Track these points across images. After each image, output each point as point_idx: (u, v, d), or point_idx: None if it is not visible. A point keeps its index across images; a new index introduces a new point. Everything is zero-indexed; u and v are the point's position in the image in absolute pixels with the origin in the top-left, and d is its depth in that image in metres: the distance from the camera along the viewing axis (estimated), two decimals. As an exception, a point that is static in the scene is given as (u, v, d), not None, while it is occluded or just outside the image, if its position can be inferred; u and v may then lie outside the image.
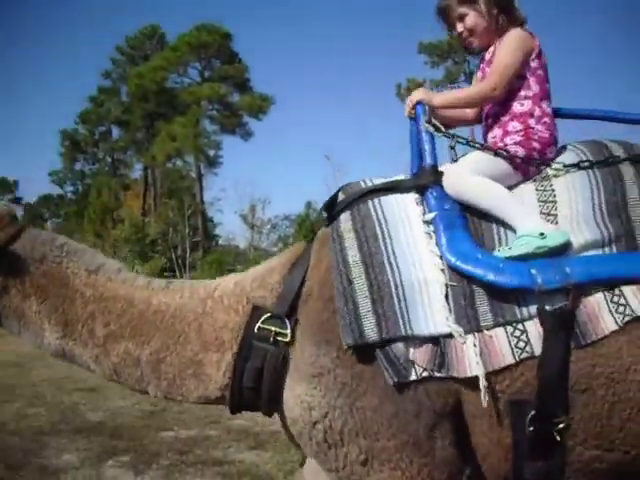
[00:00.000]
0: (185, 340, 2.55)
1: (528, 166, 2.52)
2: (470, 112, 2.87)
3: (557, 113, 2.79)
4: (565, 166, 2.44)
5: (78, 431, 7.38)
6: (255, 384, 2.43)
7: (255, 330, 2.43)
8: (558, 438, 2.19)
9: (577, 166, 2.42)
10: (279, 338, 2.40)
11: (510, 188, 2.49)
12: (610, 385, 2.18)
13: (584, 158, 2.45)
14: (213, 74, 45.90)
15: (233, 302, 2.56)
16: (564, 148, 2.59)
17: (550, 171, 2.48)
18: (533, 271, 2.22)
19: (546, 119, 2.61)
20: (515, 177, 2.53)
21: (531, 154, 2.53)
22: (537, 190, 2.47)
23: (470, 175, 2.47)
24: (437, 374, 2.18)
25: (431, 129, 2.55)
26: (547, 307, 2.19)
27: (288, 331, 2.40)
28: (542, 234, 2.28)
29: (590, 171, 2.41)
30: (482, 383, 2.14)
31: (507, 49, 2.59)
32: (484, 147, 2.57)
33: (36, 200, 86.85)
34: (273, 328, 2.40)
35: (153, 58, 47.93)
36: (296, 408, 2.39)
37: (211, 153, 49.16)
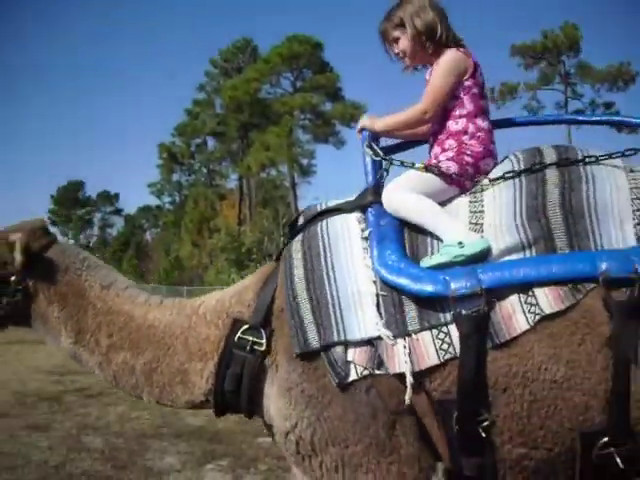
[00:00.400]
0: (173, 352, 2.81)
1: (462, 180, 2.65)
2: (424, 128, 2.95)
3: (512, 122, 3.13)
4: (491, 180, 2.58)
5: (179, 435, 7.62)
6: (235, 388, 2.65)
7: (235, 340, 2.64)
8: (484, 435, 2.29)
9: (502, 178, 2.54)
10: (256, 347, 2.61)
11: (447, 202, 2.64)
12: (526, 384, 2.27)
13: (517, 166, 2.56)
14: (305, 84, 46.34)
15: (214, 317, 2.79)
16: (505, 158, 2.68)
17: (483, 182, 2.61)
18: (447, 279, 2.35)
19: (480, 134, 2.73)
20: (451, 191, 2.67)
21: (464, 168, 2.66)
22: (470, 202, 2.60)
23: (404, 192, 2.64)
24: (377, 372, 2.35)
25: (370, 152, 2.79)
26: (462, 311, 2.30)
27: (263, 340, 2.60)
28: (460, 243, 2.42)
29: (517, 179, 2.52)
30: (409, 380, 2.28)
31: (438, 72, 2.74)
32: (414, 166, 2.71)
33: (136, 211, 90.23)
34: (250, 338, 2.61)
35: (246, 70, 48.87)
36: (276, 419, 2.59)
37: (304, 162, 49.62)
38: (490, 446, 2.33)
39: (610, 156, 2.52)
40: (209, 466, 6.30)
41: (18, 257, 2.91)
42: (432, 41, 2.79)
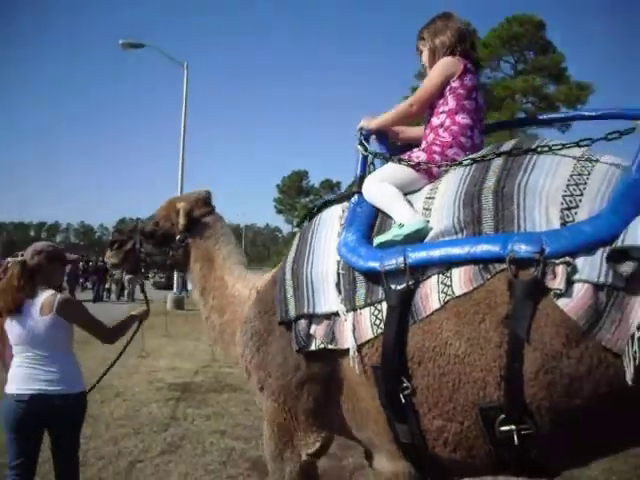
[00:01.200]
0: (236, 317, 3.56)
1: (431, 168, 2.97)
2: (417, 130, 3.39)
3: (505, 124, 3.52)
4: (451, 167, 2.86)
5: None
6: None
7: None
8: (404, 402, 2.57)
9: (460, 164, 2.81)
10: None
11: (418, 189, 2.96)
12: (436, 358, 2.49)
13: (478, 156, 2.79)
14: (527, 66, 44.74)
15: (252, 290, 3.53)
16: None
17: (447, 170, 2.88)
18: (382, 256, 2.66)
19: (454, 127, 3.04)
20: (421, 179, 3.00)
21: (432, 157, 2.99)
22: (430, 188, 2.89)
23: (375, 182, 3.05)
24: (329, 346, 2.77)
25: (360, 149, 3.25)
26: (391, 287, 2.60)
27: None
28: (401, 224, 2.75)
29: (469, 167, 2.75)
30: (351, 354, 2.67)
31: (431, 75, 3.17)
32: (391, 159, 3.10)
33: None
34: None
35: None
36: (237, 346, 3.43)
37: (527, 147, 48.07)
38: (414, 415, 2.59)
39: (564, 146, 2.61)
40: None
41: (181, 220, 3.89)
42: (441, 56, 3.20)
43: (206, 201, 4.09)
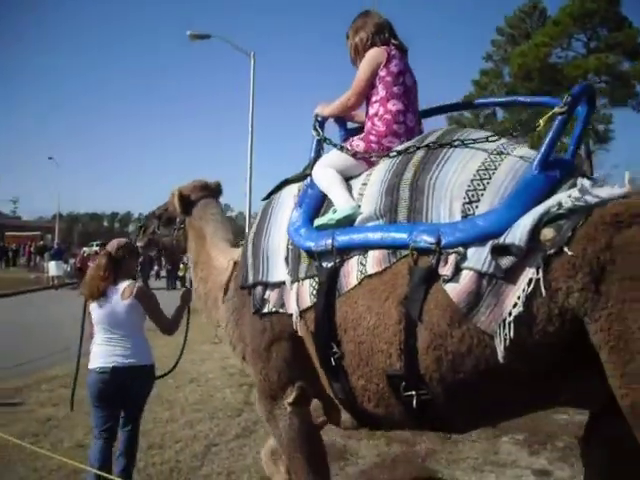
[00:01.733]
0: (215, 286, 3.99)
1: (368, 156, 3.29)
2: (359, 113, 3.73)
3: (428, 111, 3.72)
4: (383, 157, 3.20)
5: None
6: None
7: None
8: (334, 364, 3.00)
9: (387, 156, 3.16)
10: None
11: (357, 175, 3.30)
12: (355, 328, 2.89)
13: (404, 148, 3.14)
14: (600, 44, 43.36)
15: (230, 262, 3.85)
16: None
17: (382, 158, 3.21)
18: (317, 237, 3.09)
19: (387, 116, 3.34)
20: (360, 166, 3.33)
21: (369, 146, 3.33)
22: (365, 175, 3.25)
23: (321, 167, 3.40)
24: (280, 310, 3.20)
25: (314, 133, 3.63)
26: (322, 265, 3.05)
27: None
28: (335, 210, 3.15)
29: (396, 158, 3.11)
30: (294, 319, 3.12)
31: (360, 67, 3.46)
32: (335, 146, 3.49)
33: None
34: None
35: (535, 35, 46.86)
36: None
37: (601, 128, 46.55)
38: (344, 375, 3.01)
39: (475, 141, 2.93)
40: (504, 439, 6.35)
41: (175, 203, 4.44)
42: (364, 50, 3.51)
43: (203, 187, 4.61)
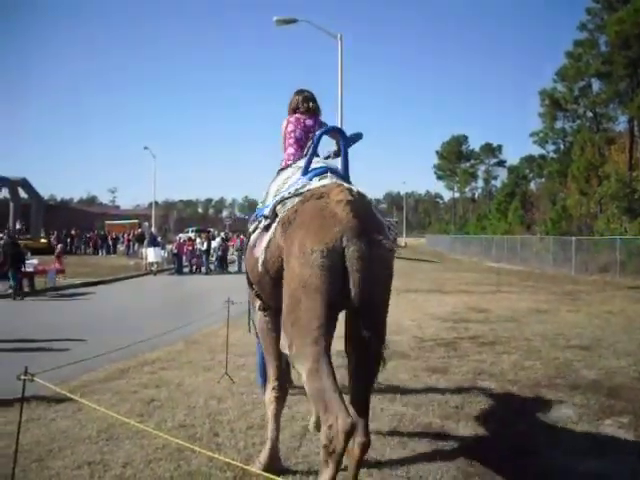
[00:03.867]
0: None
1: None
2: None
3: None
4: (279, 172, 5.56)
5: (575, 387, 7.52)
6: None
7: None
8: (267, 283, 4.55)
9: (278, 173, 5.55)
10: None
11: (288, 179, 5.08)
12: (269, 261, 4.37)
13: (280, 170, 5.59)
14: None
15: None
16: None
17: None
18: (262, 210, 4.96)
19: (286, 156, 5.58)
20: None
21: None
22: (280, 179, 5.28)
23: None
24: (261, 255, 4.50)
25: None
26: (260, 225, 4.85)
27: None
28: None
29: (278, 176, 5.46)
30: (260, 261, 4.44)
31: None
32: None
33: (519, 161, 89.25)
34: None
35: (634, 1, 44.68)
36: None
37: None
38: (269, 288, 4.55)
39: (289, 166, 5.39)
40: (607, 421, 6.13)
41: None
42: (289, 114, 5.75)
43: None
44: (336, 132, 5.29)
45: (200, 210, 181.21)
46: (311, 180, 4.51)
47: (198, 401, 6.88)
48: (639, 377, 8.09)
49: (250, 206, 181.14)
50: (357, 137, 5.38)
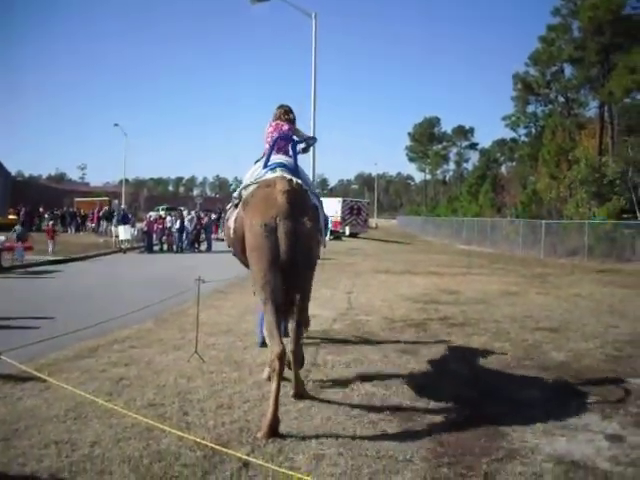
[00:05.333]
0: None
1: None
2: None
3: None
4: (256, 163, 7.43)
5: (543, 369, 7.61)
6: None
7: None
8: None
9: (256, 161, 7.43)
10: None
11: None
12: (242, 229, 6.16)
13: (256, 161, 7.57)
14: (678, -8, 41.21)
15: None
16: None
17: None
18: (238, 186, 7.71)
19: (265, 151, 6.97)
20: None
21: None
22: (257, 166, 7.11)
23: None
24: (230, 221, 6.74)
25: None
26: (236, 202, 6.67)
27: None
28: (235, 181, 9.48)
29: (255, 164, 7.28)
30: (232, 230, 6.47)
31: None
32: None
33: (491, 145, 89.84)
34: None
35: (607, -14, 44.87)
36: None
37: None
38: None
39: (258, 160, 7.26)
40: (575, 403, 6.20)
41: None
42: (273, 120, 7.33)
43: None
44: (288, 140, 7.06)
45: (171, 188, 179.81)
46: (267, 172, 6.34)
47: (168, 380, 6.80)
48: (606, 359, 8.21)
49: (221, 185, 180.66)
50: (312, 141, 7.68)
